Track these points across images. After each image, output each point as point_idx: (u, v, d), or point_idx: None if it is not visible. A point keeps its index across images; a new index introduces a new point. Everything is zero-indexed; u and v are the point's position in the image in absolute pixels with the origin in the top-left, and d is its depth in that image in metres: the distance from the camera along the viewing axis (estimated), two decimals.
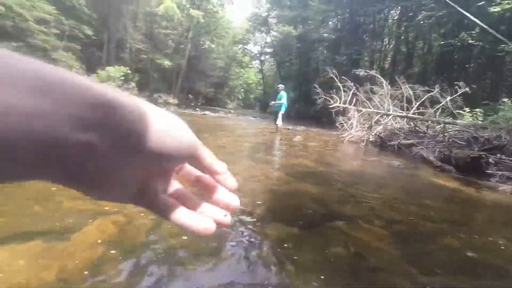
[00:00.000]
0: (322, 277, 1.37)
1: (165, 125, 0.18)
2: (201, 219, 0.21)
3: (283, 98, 8.42)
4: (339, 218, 2.14)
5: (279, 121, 8.43)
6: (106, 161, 0.16)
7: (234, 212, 0.40)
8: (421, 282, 1.43)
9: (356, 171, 4.12)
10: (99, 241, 1.46)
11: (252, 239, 1.66)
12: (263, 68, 38.78)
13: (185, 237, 1.59)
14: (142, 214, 1.79)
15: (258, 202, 2.30)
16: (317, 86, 9.41)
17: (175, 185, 0.24)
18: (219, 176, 0.22)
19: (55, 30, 14.40)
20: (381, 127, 8.03)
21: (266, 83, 37.66)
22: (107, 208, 1.81)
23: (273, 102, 8.67)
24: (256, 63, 41.26)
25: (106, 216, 1.71)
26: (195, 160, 0.21)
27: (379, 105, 8.34)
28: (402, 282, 1.41)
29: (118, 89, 0.17)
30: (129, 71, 16.88)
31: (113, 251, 1.39)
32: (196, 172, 0.23)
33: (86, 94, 0.14)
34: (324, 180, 3.35)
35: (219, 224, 0.22)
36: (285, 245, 1.65)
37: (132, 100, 0.17)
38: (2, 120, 0.11)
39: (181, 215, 0.21)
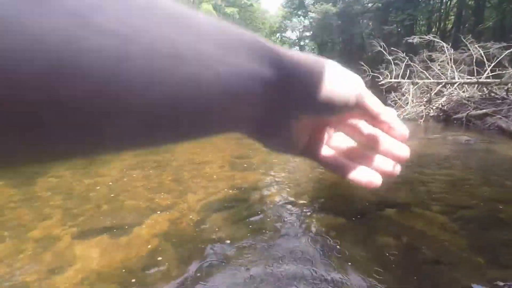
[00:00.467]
0: (367, 270, 1.29)
1: (333, 73, 0.18)
2: (364, 172, 0.21)
3: None
4: (389, 205, 1.97)
5: None
6: (283, 108, 0.17)
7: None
8: (494, 277, 1.23)
9: (414, 152, 3.67)
10: (155, 234, 1.64)
11: (295, 231, 1.65)
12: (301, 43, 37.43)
13: (231, 230, 1.67)
14: (191, 211, 1.94)
15: (301, 192, 2.26)
16: (363, 64, 8.67)
17: (340, 136, 0.23)
18: (388, 125, 0.20)
19: None
20: (444, 98, 6.99)
21: None
22: (161, 205, 2.02)
23: None
24: (295, 50, 40.01)
25: (160, 213, 1.91)
26: (361, 109, 0.20)
27: (440, 74, 7.26)
28: (469, 277, 1.23)
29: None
30: None
31: (166, 243, 1.55)
32: (360, 124, 0.22)
33: (264, 46, 0.16)
34: None
35: (388, 175, 0.21)
36: (330, 235, 1.60)
37: (295, 52, 0.18)
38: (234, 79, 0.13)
39: (344, 167, 0.21)
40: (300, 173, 2.82)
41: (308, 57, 0.18)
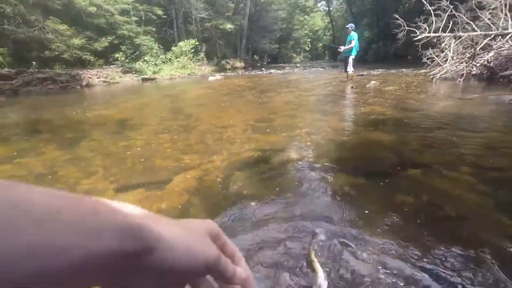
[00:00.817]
0: (385, 227, 1.33)
1: (184, 243, 0.21)
2: None
3: (353, 40, 7.38)
4: (414, 166, 1.93)
5: (350, 68, 7.55)
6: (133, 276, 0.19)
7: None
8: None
9: (446, 113, 3.45)
10: (185, 190, 1.80)
11: (316, 190, 1.71)
12: (330, 9, 34.13)
13: (253, 188, 1.78)
14: (216, 170, 2.07)
15: (323, 154, 2.28)
16: (397, 17, 7.78)
17: None
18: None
19: (134, 18, 16.26)
20: (491, 54, 6.20)
21: (335, 26, 33.34)
22: (189, 165, 2.17)
23: (341, 48, 7.75)
24: (322, 5, 36.56)
25: (188, 171, 2.06)
26: (216, 272, 0.23)
27: (490, 24, 6.34)
28: (486, 233, 1.23)
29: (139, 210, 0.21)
30: (197, 43, 17.87)
31: (195, 198, 1.70)
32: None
33: (121, 221, 0.18)
34: (401, 127, 2.98)
35: None
36: (349, 194, 1.64)
37: (153, 222, 0.20)
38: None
39: None
40: (322, 135, 2.81)
41: (170, 230, 0.21)
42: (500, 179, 1.72)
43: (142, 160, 2.35)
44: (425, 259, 1.10)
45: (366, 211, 1.44)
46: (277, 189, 1.74)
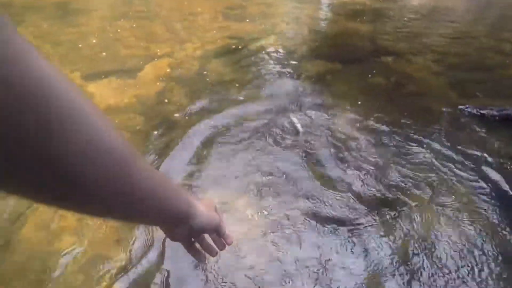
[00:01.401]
0: (358, 101, 1.48)
1: (206, 215, 0.40)
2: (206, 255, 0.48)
3: None
4: (387, 54, 2.00)
5: None
6: (178, 229, 0.38)
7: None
8: (457, 103, 1.45)
9: (424, 5, 3.36)
10: (159, 77, 1.71)
11: (293, 74, 1.74)
12: None
13: (231, 74, 1.75)
14: (190, 58, 1.94)
15: (300, 43, 2.22)
16: None
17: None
18: (225, 238, 0.47)
19: None
20: None
21: None
22: (159, 54, 1.99)
23: None
24: None
25: (159, 60, 1.91)
26: (216, 231, 0.45)
27: None
28: (438, 104, 1.45)
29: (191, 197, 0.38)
30: None
31: (172, 84, 1.65)
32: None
33: (180, 208, 0.36)
34: (380, 17, 2.88)
35: (222, 248, 0.48)
36: (324, 77, 1.71)
37: (190, 203, 0.37)
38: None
39: (198, 252, 0.46)
40: (300, 25, 2.64)
41: (200, 206, 0.39)
42: (456, 63, 1.89)
43: (103, 48, 2.08)
44: (389, 121, 1.32)
45: (341, 91, 1.56)
46: (257, 74, 1.74)
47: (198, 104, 1.48)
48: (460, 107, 1.44)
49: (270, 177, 1.18)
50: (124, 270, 0.91)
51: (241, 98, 1.52)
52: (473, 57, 1.99)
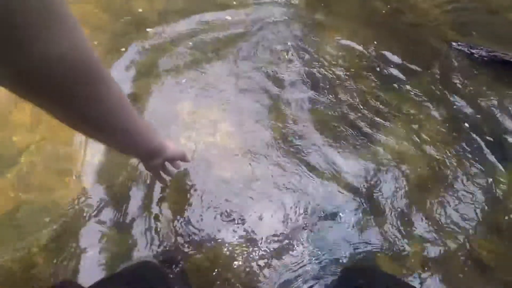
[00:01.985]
0: (352, 25, 1.41)
1: (173, 147, 0.62)
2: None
3: None
4: None
5: None
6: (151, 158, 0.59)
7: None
8: (451, 39, 1.42)
9: None
10: None
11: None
12: None
13: None
14: None
15: None
16: None
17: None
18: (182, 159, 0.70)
19: None
20: None
21: None
22: None
23: None
24: None
25: None
26: (181, 158, 0.69)
27: None
28: (433, 38, 1.42)
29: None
30: None
31: None
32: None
33: (153, 144, 0.53)
34: None
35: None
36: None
37: (161, 141, 0.56)
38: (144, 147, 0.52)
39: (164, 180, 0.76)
40: None
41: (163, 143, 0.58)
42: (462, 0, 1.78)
43: None
44: (379, 48, 1.30)
45: (338, 14, 1.46)
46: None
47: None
48: (453, 43, 1.41)
49: (246, 87, 1.18)
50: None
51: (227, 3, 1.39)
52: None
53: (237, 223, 0.90)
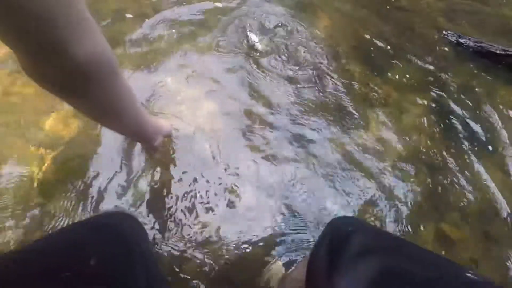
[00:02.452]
0: (347, 7, 1.36)
1: (167, 124, 0.73)
2: None
3: None
4: None
5: None
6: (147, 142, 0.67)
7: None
8: (441, 28, 1.41)
9: None
10: None
11: None
12: None
13: None
14: None
15: None
16: None
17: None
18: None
19: None
20: None
21: None
22: None
23: None
24: None
25: None
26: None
27: None
28: (423, 25, 1.40)
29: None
30: None
31: None
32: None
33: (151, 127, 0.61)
34: None
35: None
36: None
37: (157, 123, 0.66)
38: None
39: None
40: None
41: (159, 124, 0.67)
42: None
43: None
44: (370, 33, 1.26)
45: None
46: None
47: None
48: (443, 32, 1.40)
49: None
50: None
51: None
52: None
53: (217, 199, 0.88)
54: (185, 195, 0.87)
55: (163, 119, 0.77)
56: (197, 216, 0.84)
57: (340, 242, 0.37)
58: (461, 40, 1.37)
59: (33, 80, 0.33)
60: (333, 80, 1.17)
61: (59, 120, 0.93)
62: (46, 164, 0.85)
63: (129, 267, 0.33)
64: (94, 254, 0.30)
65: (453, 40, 1.38)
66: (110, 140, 0.90)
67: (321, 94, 1.14)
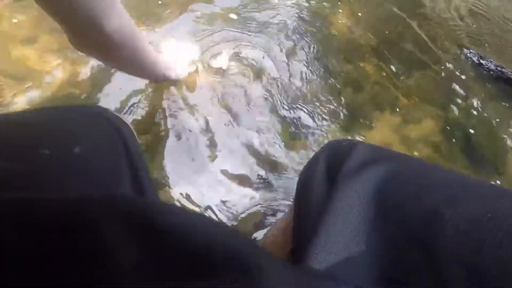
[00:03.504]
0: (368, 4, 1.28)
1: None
2: None
3: None
4: None
5: None
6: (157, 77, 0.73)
7: None
8: (463, 45, 1.34)
9: None
10: None
11: None
12: None
13: None
14: None
15: None
16: None
17: None
18: None
19: None
20: None
21: None
22: None
23: None
24: None
25: None
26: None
27: None
28: (448, 40, 1.32)
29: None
30: None
31: None
32: None
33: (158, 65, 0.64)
34: None
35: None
36: None
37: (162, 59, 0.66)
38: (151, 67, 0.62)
39: None
40: None
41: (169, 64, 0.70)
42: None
43: None
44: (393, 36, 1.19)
45: None
46: None
47: None
48: (465, 49, 1.32)
49: None
50: None
51: None
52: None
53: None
54: None
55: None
56: None
57: (340, 159, 0.31)
58: (482, 61, 1.30)
59: (76, 48, 0.44)
60: (345, 73, 1.09)
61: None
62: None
63: (116, 163, 0.31)
64: (79, 142, 0.29)
65: (474, 59, 1.31)
66: None
67: (329, 81, 1.05)
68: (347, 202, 0.26)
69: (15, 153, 0.25)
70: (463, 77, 1.25)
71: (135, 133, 0.44)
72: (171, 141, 0.82)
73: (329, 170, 0.32)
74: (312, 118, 0.97)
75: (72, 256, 0.17)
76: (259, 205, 0.79)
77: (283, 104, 0.98)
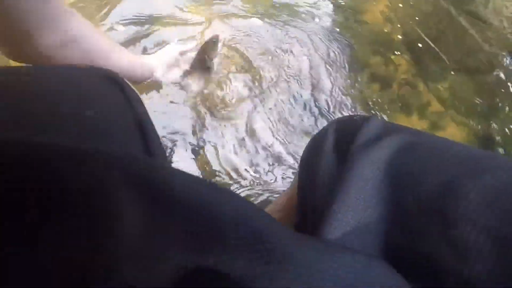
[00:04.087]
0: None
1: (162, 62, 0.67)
2: None
3: None
4: None
5: None
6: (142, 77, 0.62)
7: None
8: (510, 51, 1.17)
9: None
10: None
11: None
12: None
13: None
14: None
15: None
16: None
17: None
18: None
19: None
20: None
21: None
22: None
23: None
24: None
25: None
26: None
27: None
28: (497, 45, 1.16)
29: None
30: None
31: None
32: None
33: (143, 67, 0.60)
34: None
35: None
36: None
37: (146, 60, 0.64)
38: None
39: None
40: None
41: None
42: None
43: None
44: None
45: None
46: None
47: None
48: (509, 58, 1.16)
49: None
50: None
51: None
52: None
53: None
54: None
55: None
56: None
57: (352, 132, 0.29)
58: None
59: (10, 59, 0.38)
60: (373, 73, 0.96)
61: None
62: None
63: (128, 126, 0.30)
64: (92, 106, 0.28)
65: None
66: None
67: (354, 84, 0.93)
68: (363, 172, 0.26)
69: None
70: (506, 91, 1.10)
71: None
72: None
73: (338, 143, 0.31)
74: (328, 110, 0.87)
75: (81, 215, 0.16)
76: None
77: (301, 92, 0.87)
